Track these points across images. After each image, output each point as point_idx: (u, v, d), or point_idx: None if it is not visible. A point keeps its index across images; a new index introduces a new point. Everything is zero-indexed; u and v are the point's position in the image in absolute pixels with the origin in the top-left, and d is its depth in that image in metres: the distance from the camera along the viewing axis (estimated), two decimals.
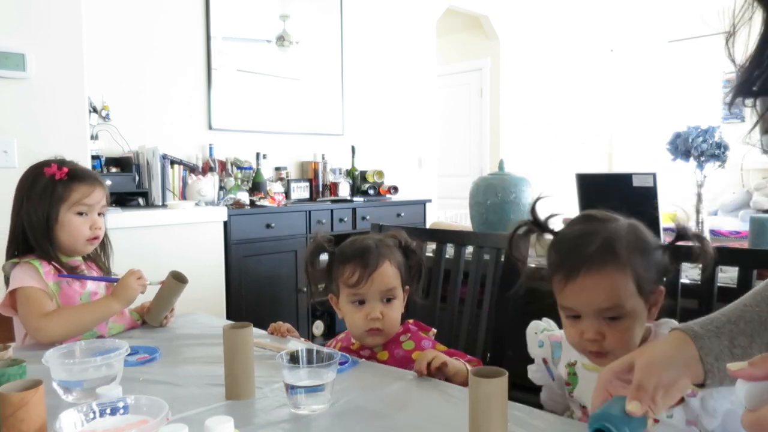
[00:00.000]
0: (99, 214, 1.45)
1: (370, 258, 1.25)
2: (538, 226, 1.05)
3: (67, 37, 2.28)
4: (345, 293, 1.28)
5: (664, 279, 1.02)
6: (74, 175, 1.41)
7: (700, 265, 1.25)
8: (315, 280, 1.35)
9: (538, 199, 1.08)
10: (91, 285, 1.45)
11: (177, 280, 1.45)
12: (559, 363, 1.07)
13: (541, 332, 1.13)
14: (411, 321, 1.33)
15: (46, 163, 1.41)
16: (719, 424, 0.92)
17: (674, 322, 1.00)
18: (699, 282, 1.25)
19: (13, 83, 2.16)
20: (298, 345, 1.31)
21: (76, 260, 1.45)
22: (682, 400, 0.93)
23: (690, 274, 1.70)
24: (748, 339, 0.74)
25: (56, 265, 1.38)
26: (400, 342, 1.28)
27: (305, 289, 3.36)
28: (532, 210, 1.06)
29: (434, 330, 1.33)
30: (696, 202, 2.41)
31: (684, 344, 0.74)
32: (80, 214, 1.40)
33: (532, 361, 1.15)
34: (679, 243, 1.02)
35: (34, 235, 1.37)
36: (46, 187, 1.38)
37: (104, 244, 1.52)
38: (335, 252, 1.33)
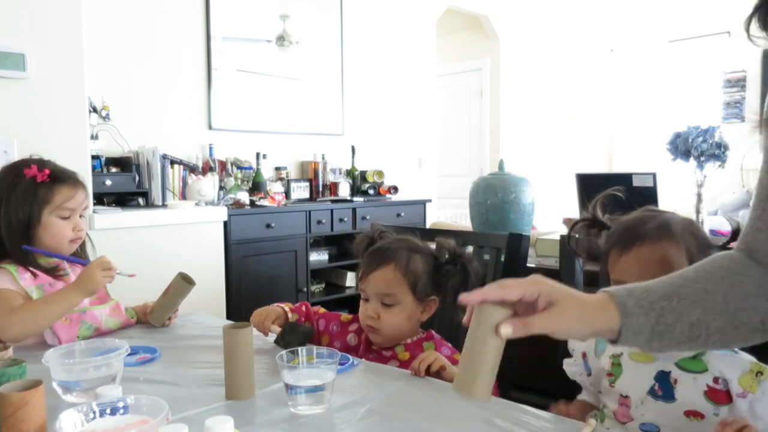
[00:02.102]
0: (81, 216, 1.42)
1: (375, 257, 1.27)
2: (596, 222, 1.08)
3: (67, 37, 2.28)
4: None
5: None
6: (56, 177, 1.37)
7: None
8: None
9: (601, 196, 1.11)
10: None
11: (185, 281, 1.44)
12: (603, 355, 1.07)
13: None
14: (434, 331, 1.33)
15: (24, 164, 1.37)
16: (764, 429, 0.92)
17: None
18: None
19: (13, 83, 2.15)
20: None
21: (55, 260, 1.41)
22: (730, 400, 0.94)
23: None
24: (675, 317, 0.74)
25: (33, 269, 1.34)
26: (422, 347, 1.28)
27: (304, 289, 3.36)
28: (594, 207, 1.10)
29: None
30: (696, 202, 2.41)
31: (606, 313, 0.74)
32: (63, 217, 1.37)
33: (533, 363, 1.16)
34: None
35: (10, 238, 1.34)
36: (27, 190, 1.34)
37: (84, 243, 1.49)
38: None
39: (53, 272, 1.39)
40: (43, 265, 1.38)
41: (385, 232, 1.37)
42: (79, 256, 1.49)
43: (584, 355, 1.11)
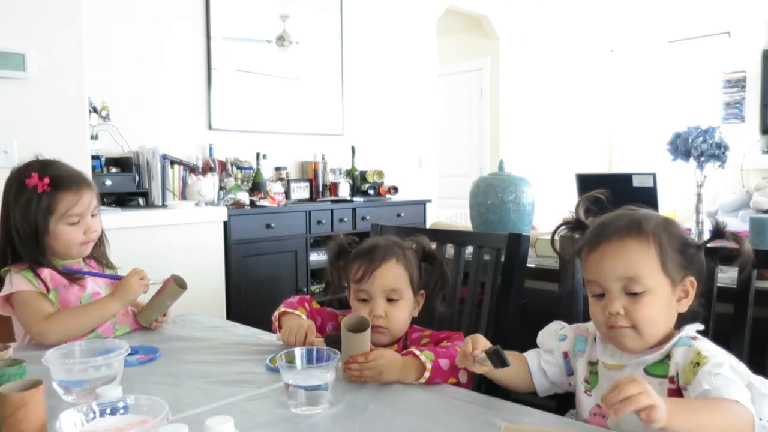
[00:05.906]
0: (92, 216, 1.40)
1: (375, 254, 1.26)
2: (580, 224, 1.08)
3: (67, 37, 2.28)
4: (352, 290, 1.29)
5: (700, 277, 1.00)
6: (58, 183, 1.33)
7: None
8: (335, 279, 1.35)
9: (583, 198, 1.11)
10: (91, 287, 1.42)
11: (178, 285, 1.43)
12: (581, 357, 1.06)
13: (561, 329, 1.13)
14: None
15: (26, 173, 1.33)
16: None
17: (695, 327, 0.98)
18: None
19: (13, 83, 2.15)
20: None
21: (73, 263, 1.41)
22: None
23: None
24: None
25: (51, 269, 1.34)
26: (420, 341, 1.28)
27: (304, 289, 3.36)
28: (577, 209, 1.09)
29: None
30: (696, 202, 2.40)
31: None
32: (72, 223, 1.35)
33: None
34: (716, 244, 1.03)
35: (22, 246, 1.33)
36: (30, 200, 1.32)
37: (100, 239, 1.47)
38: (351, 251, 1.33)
39: (69, 276, 1.38)
40: (58, 268, 1.37)
41: (353, 239, 1.36)
42: (98, 258, 1.48)
43: (566, 355, 1.10)
